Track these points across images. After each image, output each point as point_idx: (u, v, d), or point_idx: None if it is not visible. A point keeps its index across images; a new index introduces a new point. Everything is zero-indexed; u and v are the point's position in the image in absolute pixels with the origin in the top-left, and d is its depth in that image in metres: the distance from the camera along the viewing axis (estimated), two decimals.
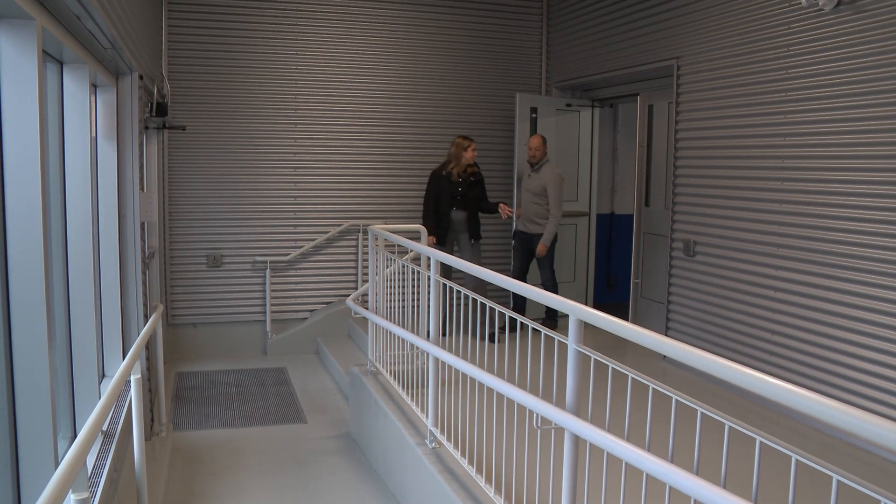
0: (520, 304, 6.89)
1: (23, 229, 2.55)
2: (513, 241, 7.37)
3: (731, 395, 5.14)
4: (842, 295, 4.66)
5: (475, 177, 7.05)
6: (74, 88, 3.75)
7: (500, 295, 7.71)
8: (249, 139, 7.70)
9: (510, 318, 3.12)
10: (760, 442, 1.85)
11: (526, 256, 7.12)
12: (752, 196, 5.39)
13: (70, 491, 2.13)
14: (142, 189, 4.89)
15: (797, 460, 1.74)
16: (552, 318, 6.88)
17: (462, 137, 7.04)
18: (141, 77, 4.73)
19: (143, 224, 4.99)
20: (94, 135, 4.16)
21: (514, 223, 7.33)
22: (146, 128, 5.61)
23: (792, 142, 5.04)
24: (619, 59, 7.04)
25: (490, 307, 3.44)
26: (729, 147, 5.64)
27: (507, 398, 3.15)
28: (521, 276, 7.05)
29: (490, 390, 3.50)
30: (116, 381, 3.14)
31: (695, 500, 1.98)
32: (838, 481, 1.63)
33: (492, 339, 3.59)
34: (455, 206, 7.00)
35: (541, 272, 7.02)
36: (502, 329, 3.50)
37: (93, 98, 4.16)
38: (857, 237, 4.57)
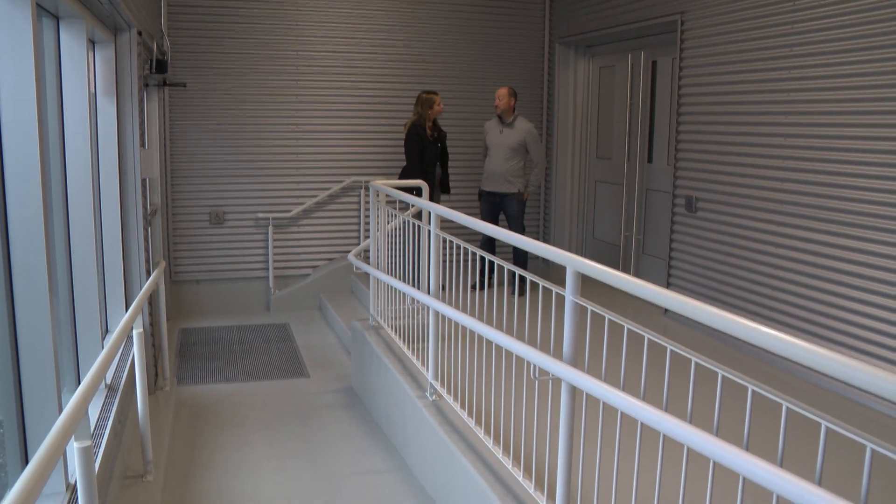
0: (521, 257, 6.84)
1: (21, 186, 2.55)
2: (480, 203, 7.12)
3: (732, 350, 5.17)
4: (844, 251, 4.67)
5: (440, 132, 7.07)
6: (71, 44, 3.72)
7: (501, 252, 7.72)
8: (251, 95, 7.65)
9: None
10: (752, 391, 1.87)
11: (495, 217, 6.96)
12: (755, 152, 5.36)
13: (73, 438, 2.17)
14: (142, 145, 4.88)
15: (788, 408, 1.76)
16: (521, 283, 6.51)
17: (427, 92, 6.99)
18: (140, 33, 4.69)
19: (144, 180, 4.99)
20: (93, 91, 4.14)
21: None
22: (146, 84, 5.58)
23: (796, 97, 5.00)
24: (623, 14, 6.95)
25: (491, 261, 3.46)
26: (732, 103, 5.59)
27: (506, 350, 3.19)
28: (491, 238, 6.64)
29: (489, 343, 3.54)
30: (118, 334, 3.17)
31: (687, 448, 2.01)
32: (827, 428, 1.65)
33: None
34: (435, 162, 7.04)
35: (512, 231, 6.58)
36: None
37: (91, 54, 4.14)
38: (860, 193, 4.56)
